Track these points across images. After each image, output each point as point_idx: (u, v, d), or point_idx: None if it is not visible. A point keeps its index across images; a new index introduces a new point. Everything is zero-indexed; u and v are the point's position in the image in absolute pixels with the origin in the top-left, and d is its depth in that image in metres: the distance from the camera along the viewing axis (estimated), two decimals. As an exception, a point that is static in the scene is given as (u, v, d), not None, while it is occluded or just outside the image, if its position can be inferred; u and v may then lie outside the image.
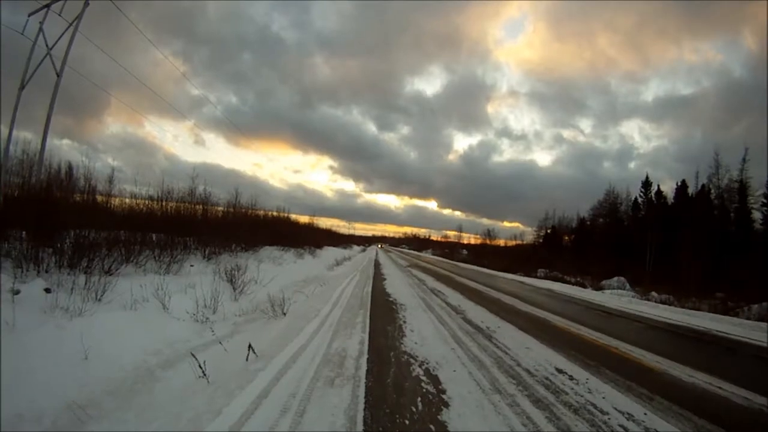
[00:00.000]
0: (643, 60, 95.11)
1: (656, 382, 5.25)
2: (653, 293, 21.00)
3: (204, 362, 5.16)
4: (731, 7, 77.81)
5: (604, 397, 4.62)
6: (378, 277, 18.37)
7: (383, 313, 9.13)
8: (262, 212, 27.35)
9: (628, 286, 24.95)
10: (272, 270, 15.67)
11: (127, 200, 15.12)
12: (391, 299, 11.50)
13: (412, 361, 5.63)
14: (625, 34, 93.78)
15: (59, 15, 12.84)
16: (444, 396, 4.42)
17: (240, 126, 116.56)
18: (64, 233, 9.55)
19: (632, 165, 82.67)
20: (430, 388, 4.62)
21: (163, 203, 16.30)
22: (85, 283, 7.90)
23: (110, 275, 9.31)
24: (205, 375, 5.02)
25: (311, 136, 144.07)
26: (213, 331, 7.24)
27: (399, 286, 15.27)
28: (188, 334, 7.51)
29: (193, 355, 5.41)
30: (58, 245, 9.23)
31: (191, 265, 13.24)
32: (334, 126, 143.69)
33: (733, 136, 74.72)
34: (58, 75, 12.68)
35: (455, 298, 12.54)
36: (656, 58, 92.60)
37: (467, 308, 10.55)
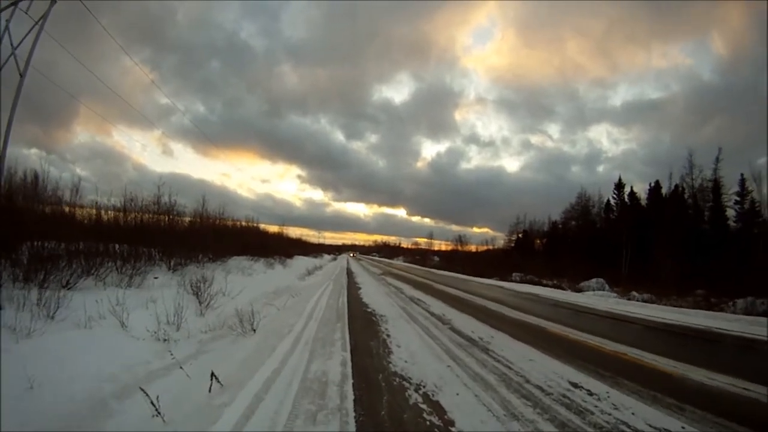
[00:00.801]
0: (612, 65, 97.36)
1: (681, 390, 4.77)
2: (634, 293, 21.13)
3: (158, 398, 4.22)
4: (700, 10, 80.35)
5: (633, 413, 4.03)
6: (352, 287, 17.41)
7: (363, 327, 8.22)
8: (230, 222, 26.22)
9: (607, 287, 25.06)
10: (241, 281, 14.64)
11: (93, 211, 14.45)
12: (369, 310, 10.59)
13: (406, 384, 4.75)
14: (594, 39, 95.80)
15: (26, 13, 11.78)
16: (454, 430, 3.57)
17: (209, 135, 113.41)
18: (24, 244, 9.14)
19: (601, 169, 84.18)
20: (435, 420, 3.77)
21: (127, 213, 15.38)
22: (38, 299, 7.16)
23: (68, 289, 8.60)
24: (159, 413, 4.10)
25: (279, 146, 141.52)
26: (172, 354, 6.19)
27: (375, 295, 14.35)
28: (148, 355, 6.64)
29: (143, 391, 4.43)
30: (13, 257, 8.62)
31: (155, 278, 12.16)
32: (302, 135, 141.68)
33: (702, 139, 76.85)
34: (22, 75, 11.72)
35: (438, 306, 11.72)
36: (625, 63, 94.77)
37: (453, 317, 9.77)
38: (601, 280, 26.62)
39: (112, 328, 7.29)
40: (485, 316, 10.09)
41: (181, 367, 5.74)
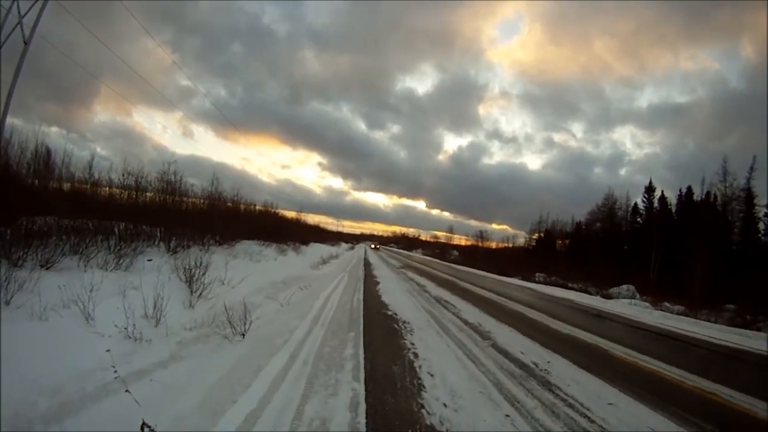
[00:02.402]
0: (639, 66, 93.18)
1: None
2: (666, 304, 19.76)
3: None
4: (731, 15, 75.96)
5: None
6: (369, 280, 15.70)
7: (383, 340, 6.43)
8: (243, 205, 24.74)
9: (637, 294, 23.30)
10: (247, 267, 13.05)
11: (103, 188, 13.28)
12: (389, 313, 8.83)
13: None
14: (622, 39, 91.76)
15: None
16: None
17: (230, 118, 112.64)
18: (21, 219, 8.34)
19: (623, 171, 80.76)
20: None
21: (129, 190, 13.85)
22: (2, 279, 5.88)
23: (47, 269, 7.53)
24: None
25: (300, 132, 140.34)
26: (116, 370, 4.54)
27: (396, 292, 12.58)
28: (110, 358, 4.97)
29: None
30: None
31: (148, 260, 10.57)
32: (323, 122, 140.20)
33: (726, 147, 73.15)
34: (26, 43, 11.16)
35: (470, 312, 9.91)
36: (652, 64, 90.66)
37: (491, 328, 7.97)
38: (631, 287, 24.96)
39: (73, 321, 5.69)
40: (528, 329, 8.27)
41: (127, 390, 4.12)
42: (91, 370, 4.52)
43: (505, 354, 6.12)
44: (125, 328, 5.77)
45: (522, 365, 5.61)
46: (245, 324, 6.45)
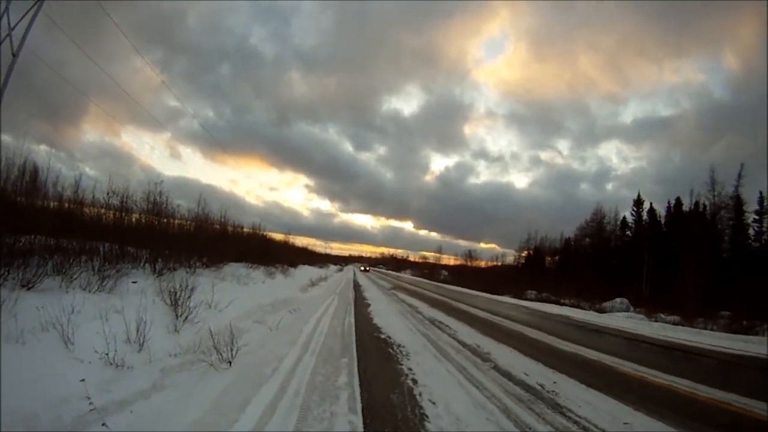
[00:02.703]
0: (623, 80, 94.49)
1: None
2: (661, 315, 19.81)
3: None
4: (712, 25, 77.81)
5: None
6: (360, 303, 15.27)
7: (378, 365, 6.04)
8: (231, 227, 24.26)
9: (631, 307, 23.46)
10: (235, 290, 12.56)
11: (87, 209, 12.79)
12: (383, 336, 8.43)
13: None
14: (605, 53, 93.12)
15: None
16: None
17: (218, 139, 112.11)
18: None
19: (609, 186, 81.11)
20: None
21: (114, 211, 13.44)
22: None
23: (28, 289, 7.27)
24: None
25: (287, 154, 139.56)
26: (91, 402, 4.11)
27: (388, 314, 12.19)
28: (91, 385, 4.58)
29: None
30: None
31: (133, 282, 10.12)
32: (310, 144, 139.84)
33: (712, 157, 74.20)
34: (14, 55, 10.91)
35: (466, 333, 9.54)
36: (636, 78, 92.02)
37: (491, 349, 7.61)
38: (625, 300, 25.18)
39: (52, 345, 5.34)
40: (529, 348, 7.94)
41: (104, 424, 3.70)
42: (68, 399, 4.16)
43: (509, 376, 5.77)
44: (106, 354, 5.36)
45: (528, 388, 5.26)
46: (232, 350, 6.03)
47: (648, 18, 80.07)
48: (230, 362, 5.83)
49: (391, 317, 11.49)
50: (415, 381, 5.26)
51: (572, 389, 5.34)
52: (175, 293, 8.61)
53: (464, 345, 7.95)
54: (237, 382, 4.94)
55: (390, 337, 8.28)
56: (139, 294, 8.88)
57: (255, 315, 10.37)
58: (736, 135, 62.53)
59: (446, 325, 10.47)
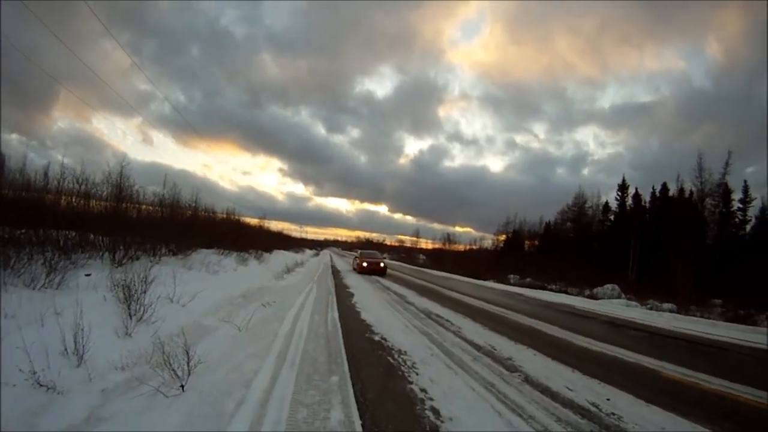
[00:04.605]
0: (603, 65, 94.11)
1: None
2: (654, 302, 19.21)
3: None
4: (697, 13, 77.54)
5: None
6: (342, 292, 13.77)
7: (381, 387, 4.47)
8: (202, 212, 22.47)
9: (623, 294, 22.58)
10: (203, 280, 11.09)
11: (47, 196, 11.41)
12: (376, 338, 6.91)
13: None
14: (586, 38, 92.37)
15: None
16: None
17: (191, 122, 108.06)
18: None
19: (586, 171, 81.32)
20: None
21: (77, 196, 11.88)
22: None
23: None
24: None
25: (260, 137, 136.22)
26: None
27: (376, 306, 10.67)
28: (12, 418, 3.45)
29: None
30: None
31: (87, 275, 8.49)
32: (283, 127, 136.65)
33: (691, 145, 74.56)
34: None
35: (470, 328, 8.17)
36: (616, 63, 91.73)
37: (511, 353, 6.24)
38: (616, 287, 24.42)
39: None
40: (553, 350, 6.62)
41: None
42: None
43: (549, 393, 4.44)
44: (34, 373, 3.87)
45: (581, 410, 3.96)
46: (188, 366, 4.50)
47: (632, 3, 79.64)
48: (183, 386, 4.29)
49: (380, 310, 10.01)
50: (435, 410, 3.80)
51: (633, 407, 4.22)
52: (129, 287, 6.98)
53: (475, 346, 6.57)
54: (188, 422, 3.43)
55: (385, 339, 6.81)
56: (90, 289, 7.36)
57: (223, 310, 8.83)
58: (716, 123, 62.94)
59: (445, 320, 9.07)
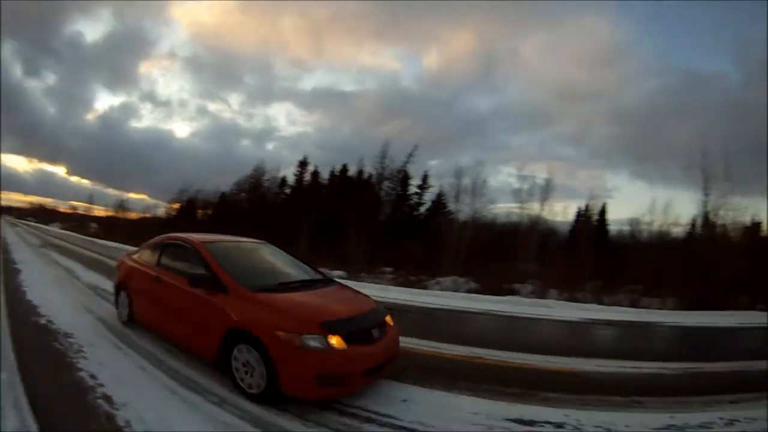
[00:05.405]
0: (318, 51, 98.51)
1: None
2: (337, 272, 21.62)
3: None
4: (428, 28, 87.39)
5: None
6: (10, 270, 12.99)
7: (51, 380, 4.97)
8: None
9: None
10: None
11: None
12: (42, 321, 7.57)
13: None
14: (312, 22, 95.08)
15: None
16: None
17: None
18: None
19: (270, 146, 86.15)
20: None
21: None
22: None
23: None
24: None
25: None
26: None
27: (44, 285, 10.86)
28: None
29: None
30: None
31: None
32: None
33: (382, 134, 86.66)
34: None
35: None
36: (332, 52, 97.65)
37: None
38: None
39: None
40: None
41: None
42: None
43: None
44: None
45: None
46: None
47: (373, 3, 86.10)
48: None
49: (48, 291, 10.16)
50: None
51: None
52: None
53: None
54: None
55: (52, 322, 7.60)
56: None
57: None
58: (411, 120, 76.09)
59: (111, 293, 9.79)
